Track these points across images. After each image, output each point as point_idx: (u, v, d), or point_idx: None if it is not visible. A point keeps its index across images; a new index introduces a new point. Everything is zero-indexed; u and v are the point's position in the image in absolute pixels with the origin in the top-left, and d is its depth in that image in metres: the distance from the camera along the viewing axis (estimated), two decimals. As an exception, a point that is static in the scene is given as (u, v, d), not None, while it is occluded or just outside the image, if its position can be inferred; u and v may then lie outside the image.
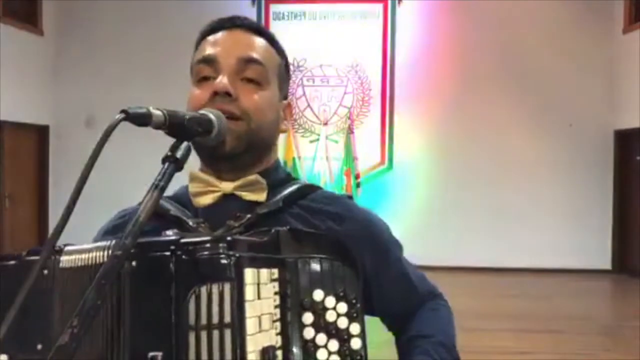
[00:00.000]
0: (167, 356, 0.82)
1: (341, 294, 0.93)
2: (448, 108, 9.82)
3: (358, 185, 9.64)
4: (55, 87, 10.17)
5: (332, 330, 0.92)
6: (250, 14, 9.11)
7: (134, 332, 0.85)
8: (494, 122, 9.78)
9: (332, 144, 9.89)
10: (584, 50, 9.72)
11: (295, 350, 0.90)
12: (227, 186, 1.04)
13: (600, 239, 9.62)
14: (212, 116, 0.95)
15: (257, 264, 0.87)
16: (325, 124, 9.97)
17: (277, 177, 1.10)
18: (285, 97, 1.14)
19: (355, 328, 0.93)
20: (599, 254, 9.58)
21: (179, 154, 0.86)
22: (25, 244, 9.55)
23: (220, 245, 0.85)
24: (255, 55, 1.05)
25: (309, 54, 9.85)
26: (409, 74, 9.89)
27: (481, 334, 5.93)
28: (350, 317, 0.93)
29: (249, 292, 0.85)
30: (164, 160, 0.86)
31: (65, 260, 0.92)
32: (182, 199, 1.09)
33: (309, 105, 10.04)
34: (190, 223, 1.01)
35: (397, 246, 1.15)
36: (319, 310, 0.92)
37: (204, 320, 0.82)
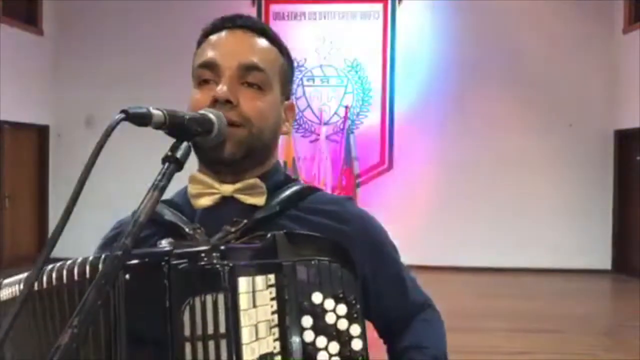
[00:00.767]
0: None
1: (340, 295, 0.93)
2: (448, 108, 9.82)
3: (358, 185, 9.63)
4: (55, 87, 10.17)
5: (332, 333, 0.91)
6: (250, 14, 9.06)
7: (129, 344, 0.85)
8: (494, 122, 9.78)
9: (332, 144, 9.89)
10: (584, 50, 9.72)
11: (296, 354, 0.89)
12: (227, 189, 1.03)
13: (600, 239, 9.62)
14: (212, 116, 0.95)
15: (252, 271, 0.87)
16: (325, 124, 9.97)
17: (276, 180, 1.09)
18: (288, 97, 1.13)
19: (355, 329, 0.93)
20: (599, 254, 9.58)
21: (179, 154, 0.86)
22: (25, 244, 9.56)
23: (214, 254, 0.85)
24: (256, 60, 1.04)
25: (309, 54, 9.85)
26: (409, 73, 9.89)
27: (481, 334, 5.94)
28: (350, 318, 0.93)
29: (244, 301, 0.85)
30: (164, 161, 0.86)
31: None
32: (181, 200, 1.09)
33: (309, 105, 10.04)
34: (187, 229, 1.00)
35: (394, 250, 1.15)
36: (319, 312, 0.91)
37: (199, 331, 0.83)
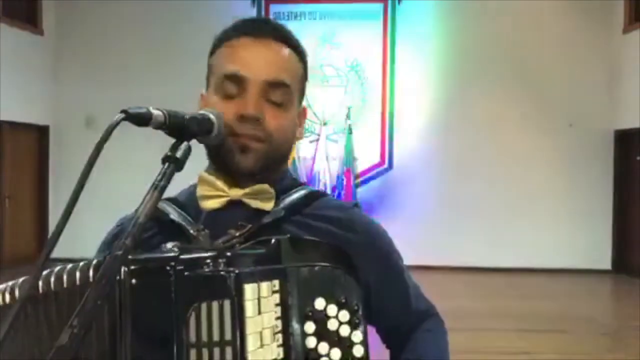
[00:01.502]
0: None
1: (343, 301, 0.93)
2: (448, 108, 9.83)
3: (358, 185, 9.64)
4: (55, 87, 10.17)
5: (334, 339, 0.91)
6: (250, 14, 9.10)
7: (134, 350, 0.84)
8: (494, 121, 9.78)
9: (332, 144, 9.88)
10: (584, 50, 9.72)
11: None
12: (236, 192, 1.04)
13: (600, 239, 9.62)
14: (212, 116, 0.95)
15: (258, 277, 0.87)
16: (325, 124, 9.97)
17: (284, 184, 1.10)
18: (300, 102, 1.14)
19: (357, 336, 0.92)
20: (599, 254, 9.59)
21: (179, 154, 0.86)
22: (25, 244, 9.56)
23: (220, 261, 0.85)
24: (283, 77, 1.04)
25: (309, 54, 9.76)
26: (409, 73, 9.89)
27: (481, 334, 5.94)
28: (352, 324, 0.93)
29: (250, 308, 0.85)
30: (164, 161, 0.86)
31: None
32: (186, 199, 1.09)
33: (309, 105, 10.03)
34: (191, 231, 1.00)
35: (400, 259, 1.15)
36: (321, 318, 0.91)
37: (204, 338, 0.83)
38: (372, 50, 9.96)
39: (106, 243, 1.11)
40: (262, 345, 0.86)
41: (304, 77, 1.12)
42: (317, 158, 9.78)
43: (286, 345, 0.89)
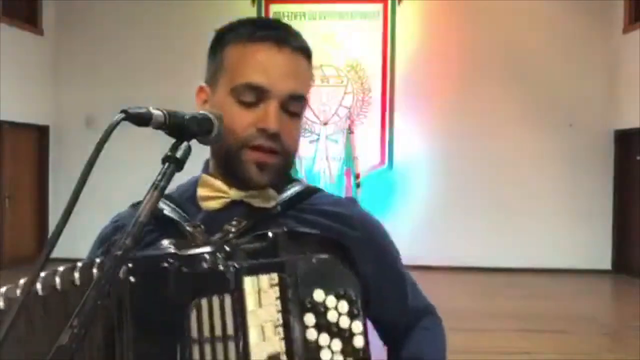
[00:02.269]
0: None
1: (341, 292, 0.93)
2: (448, 108, 9.83)
3: (358, 185, 9.63)
4: (55, 87, 10.17)
5: (334, 330, 0.91)
6: (250, 14, 9.10)
7: (137, 348, 0.85)
8: (494, 122, 9.78)
9: (332, 144, 9.89)
10: (584, 50, 9.72)
11: (300, 352, 0.89)
12: (237, 194, 1.04)
13: (600, 239, 9.62)
14: (212, 116, 0.94)
15: (257, 271, 0.87)
16: (325, 124, 9.97)
17: (282, 182, 1.10)
18: None
19: (357, 326, 0.93)
20: (599, 254, 9.59)
21: (179, 154, 0.86)
22: (25, 244, 9.56)
23: (219, 255, 0.85)
24: (302, 90, 1.05)
25: (309, 54, 9.83)
26: (409, 73, 9.89)
27: (481, 334, 5.94)
28: (352, 315, 0.93)
29: (250, 301, 0.85)
30: (164, 161, 0.86)
31: None
32: (184, 197, 1.09)
33: (309, 105, 10.02)
34: (187, 227, 1.00)
35: (398, 255, 1.15)
36: (320, 310, 0.91)
37: (206, 333, 0.83)
38: (372, 50, 9.97)
39: (100, 240, 1.10)
40: (264, 339, 0.86)
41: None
42: (317, 158, 9.79)
43: (288, 338, 0.89)
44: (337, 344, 0.91)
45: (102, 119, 9.07)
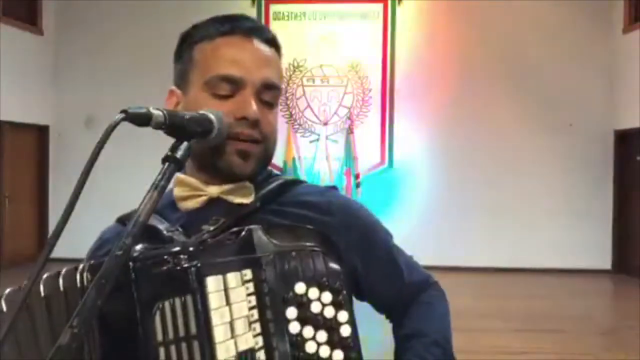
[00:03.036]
0: None
1: (325, 283, 0.92)
2: (448, 108, 9.82)
3: (358, 185, 9.64)
4: (55, 87, 10.17)
5: (319, 321, 0.91)
6: (250, 14, 9.08)
7: (104, 354, 0.84)
8: (494, 122, 9.78)
9: (332, 144, 9.89)
10: (584, 50, 9.72)
11: (281, 347, 0.89)
12: (214, 190, 1.03)
13: (600, 239, 9.61)
14: (212, 116, 0.94)
15: (225, 268, 0.87)
16: (325, 124, 9.97)
17: (261, 177, 1.09)
18: None
19: (342, 316, 0.92)
20: (599, 254, 9.58)
21: (179, 154, 0.86)
22: (25, 244, 9.56)
23: (182, 257, 0.85)
24: (274, 79, 1.05)
25: (309, 54, 9.85)
26: (409, 74, 9.89)
27: (481, 334, 5.94)
28: (337, 305, 0.92)
29: (214, 300, 0.84)
30: (164, 160, 0.86)
31: None
32: (163, 201, 1.07)
33: (309, 105, 10.04)
34: (164, 232, 0.99)
35: (385, 233, 1.13)
36: (303, 302, 0.91)
37: (170, 335, 0.83)
38: (372, 50, 9.96)
39: (87, 258, 1.08)
40: (233, 337, 0.85)
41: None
42: (317, 158, 9.79)
43: (265, 333, 0.88)
44: (322, 336, 0.91)
45: (102, 119, 9.07)
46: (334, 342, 0.91)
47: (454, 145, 9.77)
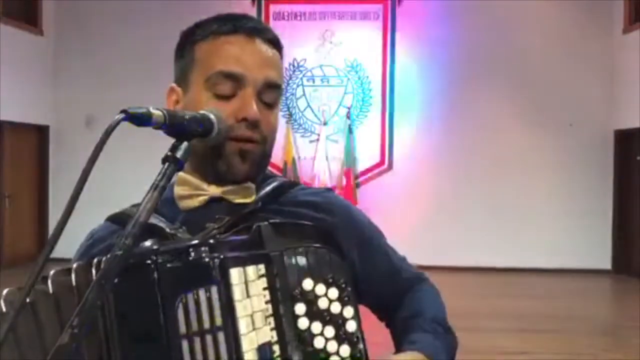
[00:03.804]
0: None
1: (330, 279, 0.93)
2: (448, 108, 9.83)
3: (358, 185, 9.64)
4: (55, 87, 10.17)
5: (326, 317, 0.92)
6: (250, 13, 9.09)
7: (125, 348, 0.84)
8: (493, 121, 9.78)
9: (332, 144, 9.89)
10: (584, 50, 9.72)
11: (291, 342, 0.90)
12: (215, 190, 1.04)
13: (600, 239, 9.62)
14: (212, 116, 0.94)
15: (242, 262, 0.87)
16: (325, 124, 9.97)
17: (259, 178, 1.09)
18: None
19: (348, 311, 0.93)
20: (599, 254, 9.58)
21: (179, 154, 0.86)
22: (25, 244, 9.56)
23: (203, 249, 0.85)
24: (276, 80, 1.05)
25: (309, 54, 9.85)
26: (409, 74, 9.90)
27: (481, 334, 5.94)
28: (342, 301, 0.93)
29: (237, 292, 0.85)
30: (164, 160, 0.86)
31: None
32: (164, 201, 1.06)
33: (309, 105, 10.04)
34: (167, 230, 0.98)
35: (379, 234, 1.16)
36: (311, 298, 0.92)
37: (195, 327, 0.82)
38: (372, 50, 9.97)
39: (79, 256, 1.07)
40: (254, 329, 0.86)
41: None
42: (317, 158, 9.79)
43: (279, 328, 0.89)
44: (330, 331, 0.92)
45: (102, 119, 9.07)
46: (341, 337, 0.92)
47: (453, 145, 9.77)
